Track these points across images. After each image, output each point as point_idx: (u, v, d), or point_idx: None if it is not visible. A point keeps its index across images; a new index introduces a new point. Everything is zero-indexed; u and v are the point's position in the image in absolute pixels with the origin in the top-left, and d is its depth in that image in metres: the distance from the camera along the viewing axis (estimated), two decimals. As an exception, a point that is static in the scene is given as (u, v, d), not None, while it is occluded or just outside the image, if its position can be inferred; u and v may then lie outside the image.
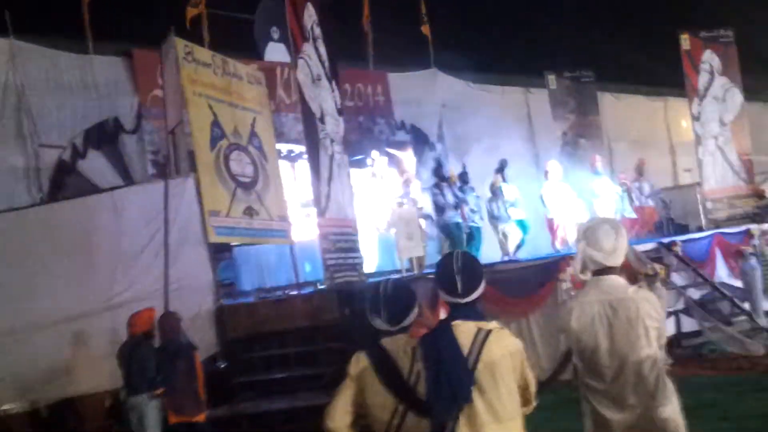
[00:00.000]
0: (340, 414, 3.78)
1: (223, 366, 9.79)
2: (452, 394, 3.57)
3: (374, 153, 15.92)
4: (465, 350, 3.61)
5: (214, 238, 10.40)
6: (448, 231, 13.31)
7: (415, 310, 3.89)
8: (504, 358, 3.66)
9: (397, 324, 3.85)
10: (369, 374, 3.73)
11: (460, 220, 13.33)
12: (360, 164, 15.31)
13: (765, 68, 19.13)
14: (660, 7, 21.63)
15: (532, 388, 3.86)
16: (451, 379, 3.57)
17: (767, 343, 11.65)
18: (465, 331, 3.65)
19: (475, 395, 3.60)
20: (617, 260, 4.26)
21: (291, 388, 9.62)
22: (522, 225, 13.91)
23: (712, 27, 17.88)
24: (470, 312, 3.76)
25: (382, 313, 3.88)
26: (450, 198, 13.35)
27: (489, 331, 3.65)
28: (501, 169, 14.38)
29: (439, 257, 4.85)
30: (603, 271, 4.27)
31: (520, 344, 3.77)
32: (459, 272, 3.79)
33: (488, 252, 13.80)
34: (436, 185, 13.64)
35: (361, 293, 9.34)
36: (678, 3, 21.20)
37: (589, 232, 4.28)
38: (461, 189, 13.71)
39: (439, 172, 14.08)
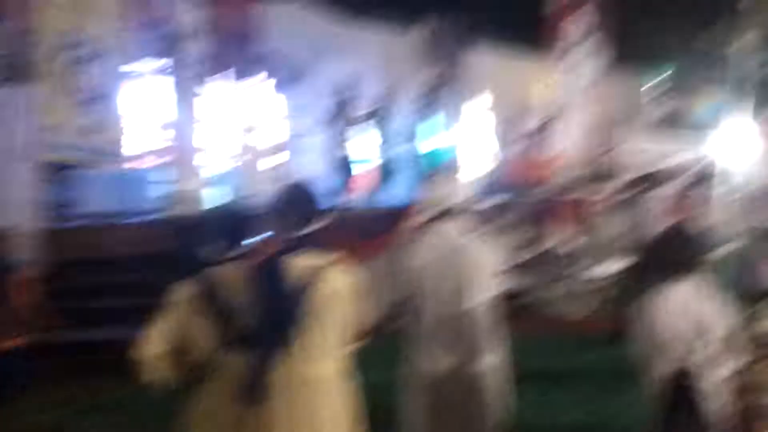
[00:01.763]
0: (156, 341, 3.63)
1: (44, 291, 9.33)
2: (276, 328, 3.53)
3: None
4: (296, 284, 3.56)
5: (46, 155, 9.87)
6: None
7: (252, 239, 3.79)
8: (334, 294, 3.65)
9: (230, 252, 3.74)
10: (194, 303, 3.63)
11: None
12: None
13: (625, 34, 19.53)
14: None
15: (362, 326, 3.85)
16: (277, 313, 3.52)
17: (588, 306, 12.06)
18: (296, 265, 3.61)
19: (301, 331, 3.57)
20: (460, 206, 4.47)
21: (120, 317, 9.25)
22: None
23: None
24: (306, 245, 3.70)
25: (217, 239, 3.78)
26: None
27: (323, 267, 3.63)
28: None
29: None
30: (442, 216, 4.39)
31: (356, 281, 3.77)
32: (292, 203, 3.74)
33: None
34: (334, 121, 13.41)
35: (198, 223, 9.07)
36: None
37: (436, 177, 4.34)
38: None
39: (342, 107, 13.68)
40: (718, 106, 16.64)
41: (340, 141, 13.32)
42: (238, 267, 3.68)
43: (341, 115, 13.11)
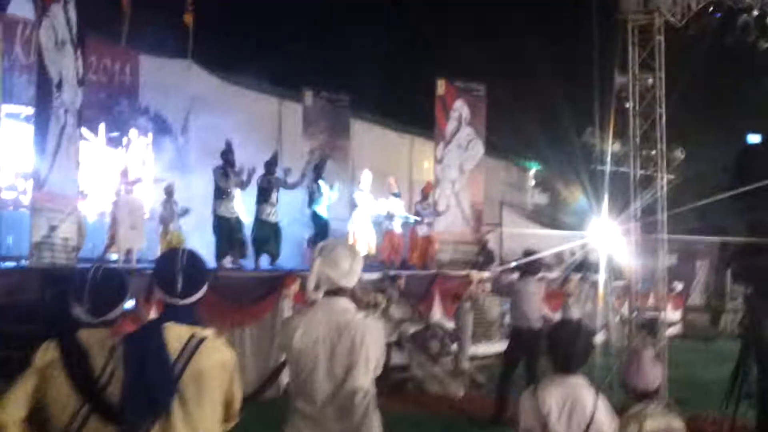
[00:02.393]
0: (13, 406, 3.36)
1: None
2: (150, 401, 3.29)
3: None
4: (173, 355, 3.35)
5: None
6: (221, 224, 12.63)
7: (123, 305, 3.60)
8: (214, 369, 3.45)
9: (100, 316, 3.54)
10: (55, 367, 3.40)
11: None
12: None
13: (506, 125, 20.15)
14: (422, 49, 22.31)
15: (238, 404, 3.69)
16: (152, 385, 3.28)
17: (466, 386, 12.11)
18: (177, 334, 3.41)
19: (176, 405, 3.35)
20: (351, 282, 4.16)
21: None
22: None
23: (468, 78, 18.58)
24: (186, 315, 3.49)
25: (85, 301, 3.52)
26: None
27: (202, 339, 3.43)
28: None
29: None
30: (335, 291, 4.13)
31: (234, 356, 3.60)
32: (181, 271, 3.50)
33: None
34: (223, 167, 12.74)
35: (68, 277, 8.55)
36: (439, 49, 21.98)
37: (326, 251, 4.14)
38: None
39: (227, 156, 12.96)
40: (590, 201, 17.34)
41: (222, 202, 12.89)
42: (109, 331, 3.53)
43: (226, 175, 12.70)
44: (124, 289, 3.71)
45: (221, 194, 12.50)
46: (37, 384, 3.41)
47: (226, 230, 12.45)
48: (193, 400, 3.40)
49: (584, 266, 15.85)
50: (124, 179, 13.30)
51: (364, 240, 15.29)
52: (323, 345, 4.08)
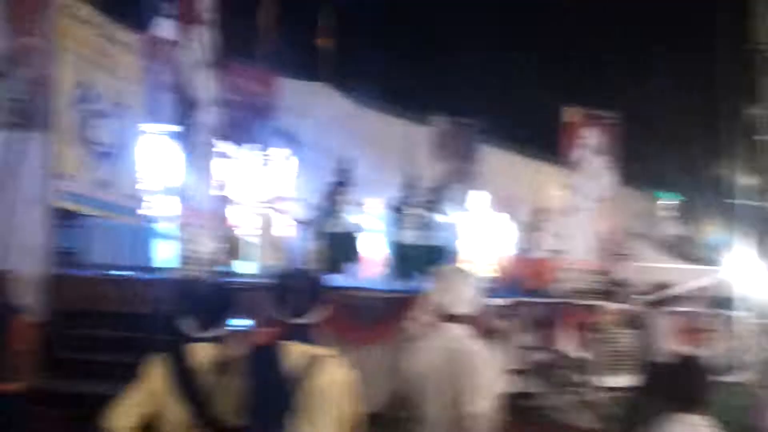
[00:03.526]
0: (123, 415, 3.48)
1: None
2: (270, 419, 3.34)
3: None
4: (293, 373, 3.40)
5: (57, 203, 9.78)
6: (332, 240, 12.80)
7: (231, 319, 3.64)
8: (332, 388, 3.47)
9: (209, 331, 3.59)
10: (164, 382, 3.49)
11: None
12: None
13: (641, 154, 19.72)
14: (550, 77, 22.09)
15: (358, 424, 3.68)
16: (271, 403, 3.35)
17: (595, 417, 11.84)
18: (296, 353, 3.45)
19: (295, 423, 3.38)
20: (466, 309, 4.16)
21: (114, 372, 8.96)
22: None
23: (598, 106, 18.28)
24: (305, 334, 3.54)
25: (193, 315, 3.56)
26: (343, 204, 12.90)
27: (321, 357, 3.47)
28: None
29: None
30: (450, 318, 4.14)
31: (353, 375, 3.60)
32: (295, 290, 3.58)
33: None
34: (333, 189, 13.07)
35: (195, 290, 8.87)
36: (569, 76, 21.74)
37: (442, 277, 4.19)
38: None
39: (339, 174, 13.31)
40: (726, 234, 16.78)
41: (345, 221, 13.11)
42: (217, 346, 3.59)
43: (344, 195, 12.91)
44: (231, 304, 3.75)
45: (330, 211, 12.69)
46: (145, 397, 3.50)
47: (336, 245, 12.60)
48: (312, 417, 3.41)
49: (720, 301, 15.29)
50: (263, 197, 13.71)
51: (483, 265, 15.17)
52: (437, 371, 4.10)
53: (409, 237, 13.45)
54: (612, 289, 16.76)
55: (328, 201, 12.77)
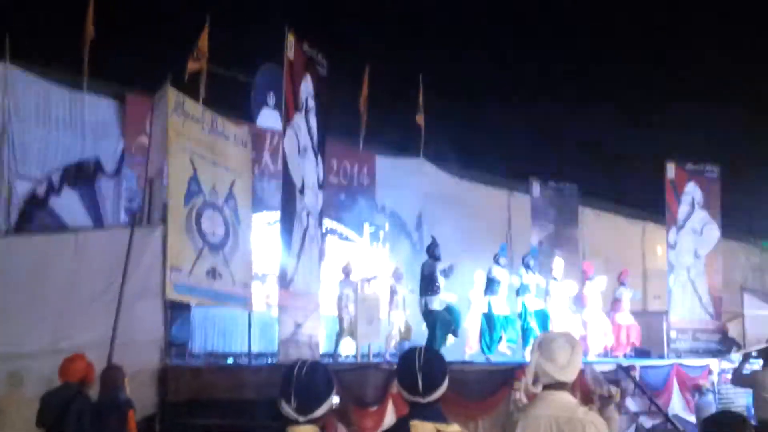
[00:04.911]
0: None
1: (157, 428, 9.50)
2: None
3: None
4: None
5: (173, 295, 10.22)
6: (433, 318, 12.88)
7: (331, 401, 3.67)
8: None
9: (308, 413, 3.54)
10: None
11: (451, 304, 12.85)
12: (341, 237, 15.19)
13: (744, 207, 19.37)
14: (649, 133, 22.01)
15: None
16: None
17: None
18: (425, 431, 3.50)
19: None
20: (570, 376, 4.09)
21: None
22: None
23: (699, 160, 18.11)
24: (430, 412, 3.59)
25: (292, 399, 3.58)
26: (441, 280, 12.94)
27: None
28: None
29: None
30: (554, 386, 4.07)
31: None
32: (421, 369, 3.60)
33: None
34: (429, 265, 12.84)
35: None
36: (668, 132, 21.60)
37: (544, 344, 4.10)
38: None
39: (432, 251, 13.10)
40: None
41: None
42: (315, 429, 3.54)
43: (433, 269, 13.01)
44: (330, 386, 3.67)
45: (429, 288, 12.76)
46: None
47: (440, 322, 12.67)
48: None
49: None
50: (362, 276, 13.96)
51: (591, 329, 15.02)
52: None
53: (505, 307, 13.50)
54: (723, 347, 16.41)
55: (428, 278, 12.83)
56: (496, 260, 13.57)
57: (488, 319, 13.44)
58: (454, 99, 21.01)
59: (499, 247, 14.09)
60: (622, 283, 15.87)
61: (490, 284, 13.46)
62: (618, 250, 19.66)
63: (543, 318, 13.99)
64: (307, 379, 3.57)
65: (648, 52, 25.76)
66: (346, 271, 12.81)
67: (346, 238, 15.88)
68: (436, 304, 12.40)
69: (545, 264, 16.42)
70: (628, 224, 21.53)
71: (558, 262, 14.82)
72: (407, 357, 3.71)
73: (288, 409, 3.51)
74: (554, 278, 14.70)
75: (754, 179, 20.10)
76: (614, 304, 15.77)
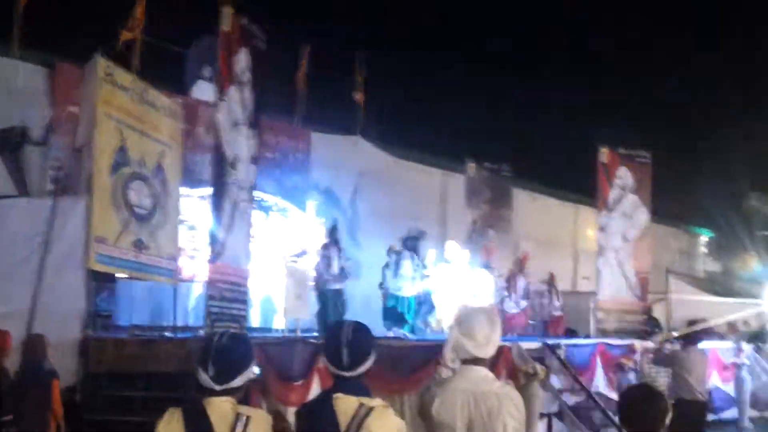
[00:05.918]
0: None
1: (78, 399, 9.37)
2: None
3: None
4: (343, 426, 3.47)
5: (95, 266, 10.06)
6: (326, 298, 13.06)
7: (249, 372, 3.63)
8: None
9: (225, 383, 3.51)
10: None
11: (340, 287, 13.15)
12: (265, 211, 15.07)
13: (673, 192, 19.74)
14: (584, 117, 22.29)
15: None
16: None
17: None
18: (346, 405, 3.52)
19: None
20: (488, 352, 4.15)
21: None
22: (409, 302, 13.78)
23: (631, 145, 18.38)
24: (354, 386, 3.61)
25: (209, 367, 3.53)
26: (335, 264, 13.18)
27: (371, 408, 3.51)
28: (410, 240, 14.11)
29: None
30: (472, 361, 4.12)
31: (402, 425, 3.62)
32: (347, 344, 3.62)
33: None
34: (326, 247, 13.38)
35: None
36: (600, 116, 21.90)
37: (463, 320, 4.14)
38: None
39: (333, 234, 13.64)
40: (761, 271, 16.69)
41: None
42: (234, 401, 3.54)
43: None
44: (248, 356, 3.65)
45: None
46: None
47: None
48: None
49: (759, 336, 15.21)
50: (295, 252, 13.96)
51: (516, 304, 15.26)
52: (460, 414, 4.06)
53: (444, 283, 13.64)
54: (647, 328, 16.76)
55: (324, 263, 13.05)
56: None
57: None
58: (393, 78, 20.99)
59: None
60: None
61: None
62: (550, 232, 19.92)
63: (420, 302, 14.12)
64: (225, 348, 3.53)
65: (582, 37, 26.08)
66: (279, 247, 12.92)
67: (283, 211, 15.77)
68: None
69: (478, 243, 16.61)
70: (560, 206, 21.79)
71: (450, 245, 14.97)
72: (335, 329, 3.73)
73: (205, 377, 3.48)
74: (446, 260, 14.89)
75: (685, 165, 20.50)
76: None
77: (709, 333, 12.27)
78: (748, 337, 16.05)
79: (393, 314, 13.41)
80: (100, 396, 9.68)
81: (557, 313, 17.10)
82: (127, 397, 9.74)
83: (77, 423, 8.94)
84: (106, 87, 10.79)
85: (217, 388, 3.51)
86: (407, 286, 13.52)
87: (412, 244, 13.74)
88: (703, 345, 11.15)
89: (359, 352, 3.64)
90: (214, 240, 11.30)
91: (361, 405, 3.52)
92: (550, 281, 17.32)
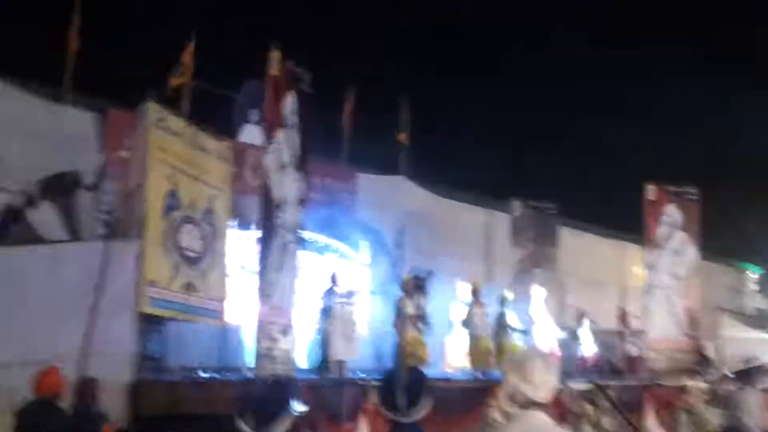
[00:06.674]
0: None
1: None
2: None
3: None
4: None
5: (148, 309, 10.18)
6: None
7: (289, 419, 3.66)
8: None
9: (265, 428, 3.58)
10: None
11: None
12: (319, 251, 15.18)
13: (721, 230, 19.50)
14: (630, 154, 22.16)
15: None
16: None
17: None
18: None
19: None
20: (545, 395, 4.11)
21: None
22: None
23: (679, 182, 18.24)
24: (413, 429, 3.62)
25: (247, 417, 3.58)
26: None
27: None
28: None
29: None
30: (530, 405, 4.08)
31: None
32: (404, 388, 3.64)
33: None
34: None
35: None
36: (649, 154, 21.75)
37: (519, 364, 4.13)
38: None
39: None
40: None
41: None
42: None
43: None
44: (287, 403, 3.78)
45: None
46: None
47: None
48: None
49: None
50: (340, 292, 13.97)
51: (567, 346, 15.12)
52: None
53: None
54: (699, 367, 16.48)
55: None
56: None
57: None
58: (437, 118, 21.10)
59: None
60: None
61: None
62: (597, 270, 19.73)
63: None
64: (263, 398, 3.59)
65: (626, 70, 25.95)
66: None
67: (340, 253, 15.86)
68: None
69: (526, 284, 16.52)
70: (607, 243, 21.58)
71: (462, 286, 14.93)
72: (390, 375, 3.78)
73: (244, 428, 3.51)
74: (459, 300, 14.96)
75: (732, 200, 20.25)
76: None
77: (765, 372, 12.07)
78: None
79: None
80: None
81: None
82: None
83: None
84: (158, 132, 10.98)
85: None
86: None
87: (415, 284, 13.76)
88: (761, 385, 10.96)
89: (416, 396, 3.65)
90: (262, 282, 11.39)
91: None
92: (623, 318, 17.16)
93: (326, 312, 12.75)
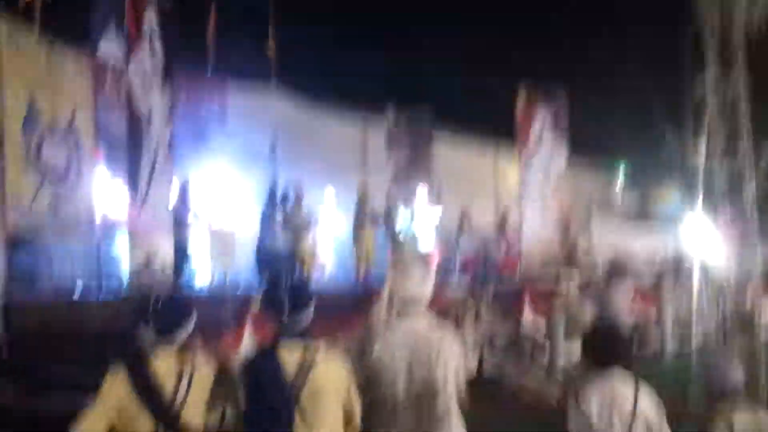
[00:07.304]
0: (90, 422, 3.48)
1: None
2: (272, 422, 3.45)
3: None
4: (290, 375, 3.52)
5: (13, 227, 9.84)
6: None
7: (190, 325, 3.67)
8: (331, 383, 3.62)
9: (167, 335, 3.61)
10: (127, 394, 3.52)
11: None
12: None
13: (592, 126, 19.97)
14: (500, 56, 22.23)
15: (358, 416, 3.83)
16: (273, 407, 3.46)
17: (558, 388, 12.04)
18: (291, 354, 3.59)
19: (297, 423, 3.50)
20: (425, 294, 4.22)
21: (69, 388, 9.01)
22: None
23: (548, 83, 18.48)
24: (297, 334, 3.68)
25: (152, 321, 3.60)
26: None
27: (316, 355, 3.61)
28: None
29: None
30: (410, 303, 4.19)
31: (348, 368, 3.76)
32: (287, 292, 3.74)
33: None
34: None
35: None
36: (518, 55, 21.87)
37: (399, 265, 4.29)
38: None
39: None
40: (679, 200, 17.05)
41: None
42: (178, 354, 3.61)
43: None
44: (190, 309, 3.75)
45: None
46: (108, 413, 3.51)
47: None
48: (313, 415, 3.53)
49: (678, 265, 15.53)
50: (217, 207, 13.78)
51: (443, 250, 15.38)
52: (401, 358, 4.14)
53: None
54: (571, 261, 17.06)
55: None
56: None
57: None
58: (308, 23, 20.64)
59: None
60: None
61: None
62: (472, 173, 19.91)
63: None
64: (166, 303, 3.70)
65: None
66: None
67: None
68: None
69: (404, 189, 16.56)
70: (481, 147, 21.75)
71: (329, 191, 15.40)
72: (274, 279, 3.85)
73: (147, 333, 3.62)
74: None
75: (602, 99, 20.69)
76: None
77: (630, 266, 12.52)
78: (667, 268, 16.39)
79: None
80: (22, 359, 9.33)
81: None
82: (50, 360, 9.49)
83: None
84: (10, 48, 10.57)
85: (161, 341, 3.63)
86: None
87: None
88: (628, 279, 11.38)
89: (300, 300, 3.77)
90: (132, 197, 11.10)
91: (306, 353, 3.60)
92: (501, 219, 17.46)
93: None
